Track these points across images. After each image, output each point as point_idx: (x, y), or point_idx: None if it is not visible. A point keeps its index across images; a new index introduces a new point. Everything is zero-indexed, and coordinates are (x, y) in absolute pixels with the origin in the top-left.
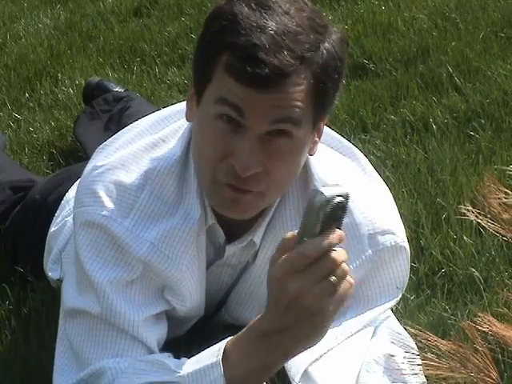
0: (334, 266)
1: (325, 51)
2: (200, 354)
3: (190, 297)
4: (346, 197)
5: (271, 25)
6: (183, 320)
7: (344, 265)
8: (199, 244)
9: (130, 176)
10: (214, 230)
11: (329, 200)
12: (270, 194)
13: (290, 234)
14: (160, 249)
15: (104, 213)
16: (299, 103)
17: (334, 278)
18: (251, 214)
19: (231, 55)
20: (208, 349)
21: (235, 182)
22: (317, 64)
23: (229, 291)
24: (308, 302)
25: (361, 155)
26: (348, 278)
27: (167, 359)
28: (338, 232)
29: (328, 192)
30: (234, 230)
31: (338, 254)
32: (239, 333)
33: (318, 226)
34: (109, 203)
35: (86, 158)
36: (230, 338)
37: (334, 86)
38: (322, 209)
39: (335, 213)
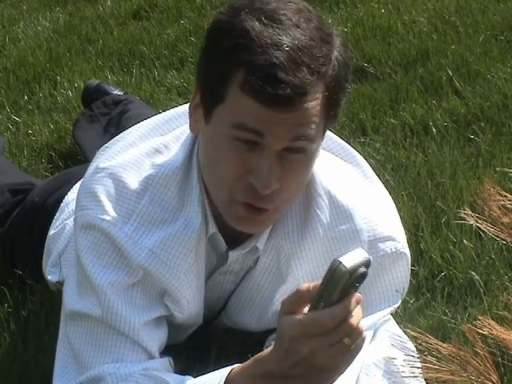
0: (351, 330)
1: (335, 62)
2: (202, 377)
3: (188, 305)
4: (368, 264)
5: (286, 41)
6: (182, 327)
7: (360, 325)
8: (198, 252)
9: (131, 181)
10: (216, 239)
11: (351, 273)
12: (282, 208)
13: (304, 287)
14: (158, 256)
15: (104, 217)
16: (315, 118)
17: (348, 339)
18: (266, 228)
19: (249, 75)
20: (211, 373)
21: (252, 199)
22: (330, 76)
23: (229, 296)
24: (321, 361)
25: (362, 160)
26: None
27: (170, 377)
28: (356, 296)
29: (350, 263)
30: (237, 237)
31: (355, 317)
32: (245, 364)
33: (337, 293)
34: (109, 207)
35: (85, 160)
36: (234, 365)
37: (344, 94)
38: (343, 280)
39: (356, 280)
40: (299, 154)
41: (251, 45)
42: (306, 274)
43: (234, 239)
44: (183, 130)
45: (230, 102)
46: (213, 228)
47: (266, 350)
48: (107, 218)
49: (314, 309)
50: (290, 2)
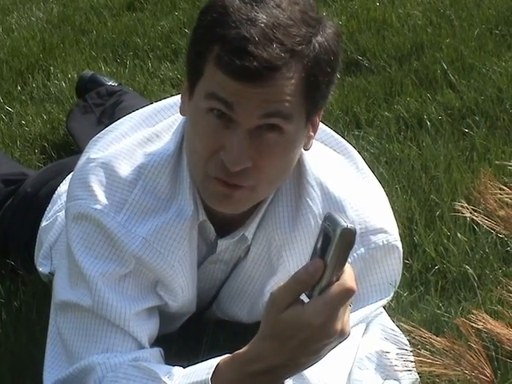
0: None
1: (317, 44)
2: (192, 367)
3: (182, 293)
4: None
5: (261, 18)
6: (175, 316)
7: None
8: (191, 240)
9: (123, 171)
10: (205, 227)
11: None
12: (261, 189)
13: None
14: (152, 244)
15: (97, 206)
16: (289, 97)
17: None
18: (243, 209)
19: (221, 49)
20: (200, 364)
21: (225, 176)
22: (308, 57)
23: (220, 287)
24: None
25: (355, 153)
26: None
27: (159, 368)
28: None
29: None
30: (226, 225)
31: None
32: (233, 354)
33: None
34: (102, 197)
35: (79, 151)
36: (222, 356)
37: (327, 80)
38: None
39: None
40: (274, 132)
41: (226, 20)
42: (297, 265)
43: (223, 228)
44: (175, 119)
45: (206, 76)
46: (202, 216)
47: (254, 339)
48: (100, 207)
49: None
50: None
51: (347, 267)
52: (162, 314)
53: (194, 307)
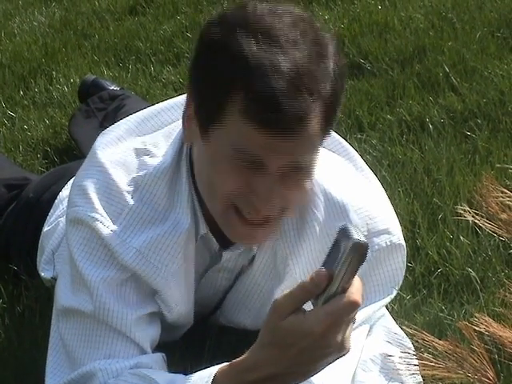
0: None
1: (332, 73)
2: (191, 376)
3: (176, 306)
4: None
5: (285, 65)
6: (174, 326)
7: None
8: (188, 254)
9: (121, 180)
10: (208, 238)
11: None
12: (284, 218)
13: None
14: (146, 257)
15: (93, 214)
16: (315, 139)
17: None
18: (265, 241)
19: (248, 101)
20: (199, 372)
21: (255, 214)
22: (328, 94)
23: (225, 294)
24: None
25: (355, 153)
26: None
27: (159, 376)
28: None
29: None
30: None
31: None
32: (232, 361)
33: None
34: (99, 206)
35: (81, 156)
36: (221, 365)
37: (342, 98)
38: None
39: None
40: (301, 172)
41: (250, 69)
42: (303, 272)
43: (226, 238)
44: (172, 129)
45: (229, 126)
46: (203, 228)
47: (252, 347)
48: (96, 215)
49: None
50: (285, 14)
51: (356, 281)
52: (163, 322)
53: (192, 320)
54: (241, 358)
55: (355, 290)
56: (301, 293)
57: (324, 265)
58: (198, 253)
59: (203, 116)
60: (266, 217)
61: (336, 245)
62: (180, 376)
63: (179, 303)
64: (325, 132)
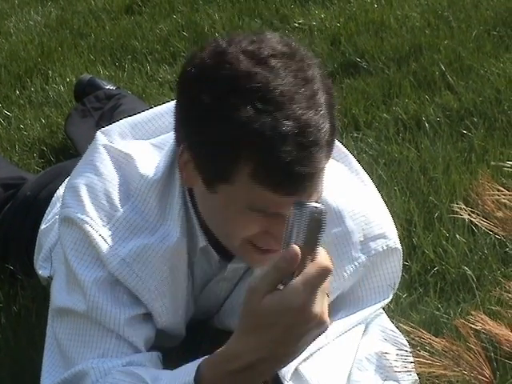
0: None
1: (327, 107)
2: (178, 369)
3: (160, 318)
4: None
5: (287, 125)
6: (166, 335)
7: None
8: (177, 267)
9: (114, 187)
10: (207, 251)
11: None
12: None
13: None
14: (130, 266)
15: (83, 217)
16: (323, 174)
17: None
18: None
19: (257, 166)
20: (185, 365)
21: (269, 248)
22: (329, 129)
23: (224, 302)
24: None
25: (351, 157)
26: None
27: (146, 372)
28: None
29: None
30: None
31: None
32: (214, 353)
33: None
34: (90, 208)
35: (77, 155)
36: (205, 357)
37: (337, 129)
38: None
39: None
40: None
41: (253, 139)
42: None
43: (226, 249)
44: (166, 141)
45: (240, 188)
46: (202, 242)
47: (232, 337)
48: (86, 218)
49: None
50: (271, 58)
51: (321, 250)
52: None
53: (183, 333)
54: (222, 347)
55: (323, 257)
56: (275, 272)
57: (284, 241)
58: (197, 266)
59: (206, 173)
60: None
61: (293, 220)
62: (167, 371)
63: (162, 316)
64: (328, 157)
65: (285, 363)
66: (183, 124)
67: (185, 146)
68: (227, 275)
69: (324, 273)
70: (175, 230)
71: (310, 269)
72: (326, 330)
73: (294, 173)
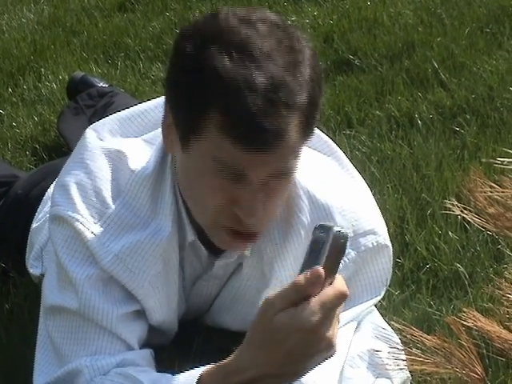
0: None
1: (308, 79)
2: (176, 377)
3: (154, 313)
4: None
5: (260, 80)
6: (158, 330)
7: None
8: (169, 262)
9: (105, 184)
10: (196, 247)
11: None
12: (267, 224)
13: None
14: (123, 262)
15: (74, 215)
16: (295, 147)
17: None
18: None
19: (225, 119)
20: (184, 373)
21: (239, 226)
22: (305, 102)
23: (214, 300)
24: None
25: (341, 153)
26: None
27: (144, 377)
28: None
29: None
30: None
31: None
32: (218, 364)
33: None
34: (80, 206)
35: (70, 153)
36: (208, 366)
37: (320, 103)
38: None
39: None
40: (282, 179)
41: (224, 87)
42: (289, 276)
43: (215, 245)
44: (155, 135)
45: (208, 140)
46: (191, 236)
47: (239, 349)
48: (77, 216)
49: None
50: (258, 22)
51: (338, 275)
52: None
53: (176, 328)
54: (228, 359)
55: (340, 282)
56: (294, 291)
57: (305, 263)
58: (186, 261)
59: (181, 128)
60: (249, 233)
61: (314, 242)
62: (166, 376)
63: (156, 311)
64: (305, 137)
65: (288, 381)
66: (168, 84)
67: (168, 108)
68: (216, 272)
69: (341, 297)
70: (167, 224)
71: (328, 292)
72: (334, 354)
73: (257, 125)
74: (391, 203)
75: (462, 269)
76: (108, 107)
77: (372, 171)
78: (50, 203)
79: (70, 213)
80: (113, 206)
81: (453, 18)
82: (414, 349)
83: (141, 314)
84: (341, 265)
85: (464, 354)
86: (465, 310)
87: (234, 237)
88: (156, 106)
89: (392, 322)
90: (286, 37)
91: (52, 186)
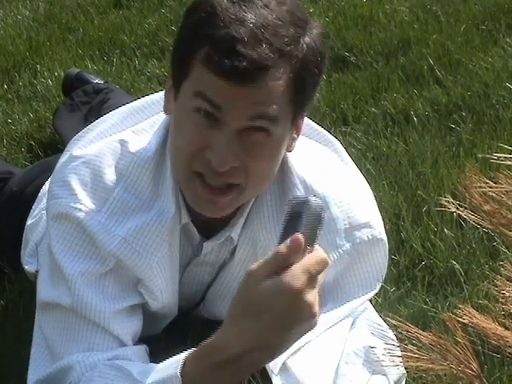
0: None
1: (305, 45)
2: (164, 362)
3: (161, 294)
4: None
5: (250, 18)
6: (157, 317)
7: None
8: (172, 242)
9: (105, 170)
10: (189, 229)
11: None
12: (248, 191)
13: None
14: (131, 244)
15: (77, 205)
16: (277, 99)
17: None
18: (228, 212)
19: (209, 48)
20: (172, 358)
21: (211, 175)
22: (296, 58)
23: (207, 288)
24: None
25: (338, 144)
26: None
27: (133, 366)
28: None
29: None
30: (211, 226)
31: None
32: (200, 345)
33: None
34: (82, 196)
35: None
36: (191, 350)
37: (314, 82)
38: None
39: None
40: (261, 133)
41: (214, 19)
42: None
43: (208, 229)
44: (156, 119)
45: (193, 76)
46: (185, 218)
47: (221, 327)
48: (80, 206)
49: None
50: None
51: (317, 246)
52: (145, 314)
53: (176, 311)
54: (209, 338)
55: (320, 251)
56: (275, 260)
57: (284, 234)
58: (180, 244)
59: (175, 75)
60: (228, 184)
61: (292, 213)
62: (153, 365)
63: (164, 291)
64: (293, 104)
65: (272, 356)
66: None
67: (169, 72)
68: (206, 257)
69: (323, 264)
70: (170, 205)
71: (310, 258)
72: (315, 325)
73: (239, 56)
74: (387, 200)
75: (457, 266)
76: (103, 104)
77: (367, 168)
78: (44, 200)
79: (72, 204)
80: (115, 192)
81: (448, 15)
82: (410, 345)
83: (135, 309)
84: (335, 255)
85: (459, 350)
86: (460, 306)
87: (206, 189)
88: (158, 100)
89: (387, 319)
90: (291, 4)
91: (47, 183)
